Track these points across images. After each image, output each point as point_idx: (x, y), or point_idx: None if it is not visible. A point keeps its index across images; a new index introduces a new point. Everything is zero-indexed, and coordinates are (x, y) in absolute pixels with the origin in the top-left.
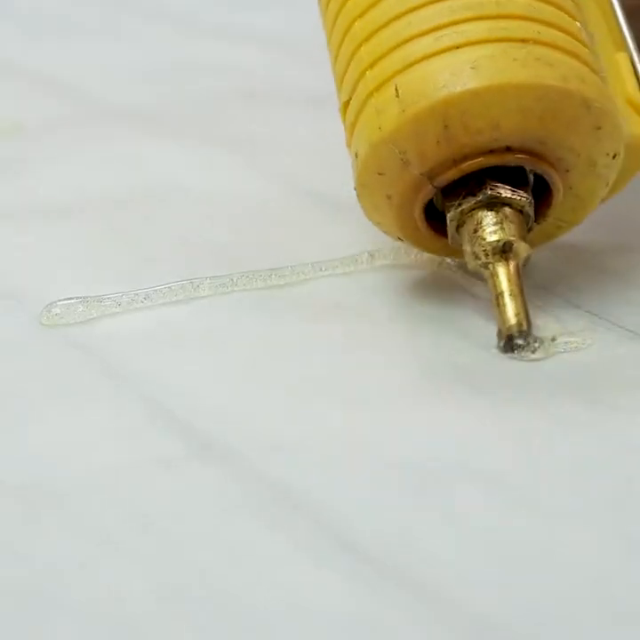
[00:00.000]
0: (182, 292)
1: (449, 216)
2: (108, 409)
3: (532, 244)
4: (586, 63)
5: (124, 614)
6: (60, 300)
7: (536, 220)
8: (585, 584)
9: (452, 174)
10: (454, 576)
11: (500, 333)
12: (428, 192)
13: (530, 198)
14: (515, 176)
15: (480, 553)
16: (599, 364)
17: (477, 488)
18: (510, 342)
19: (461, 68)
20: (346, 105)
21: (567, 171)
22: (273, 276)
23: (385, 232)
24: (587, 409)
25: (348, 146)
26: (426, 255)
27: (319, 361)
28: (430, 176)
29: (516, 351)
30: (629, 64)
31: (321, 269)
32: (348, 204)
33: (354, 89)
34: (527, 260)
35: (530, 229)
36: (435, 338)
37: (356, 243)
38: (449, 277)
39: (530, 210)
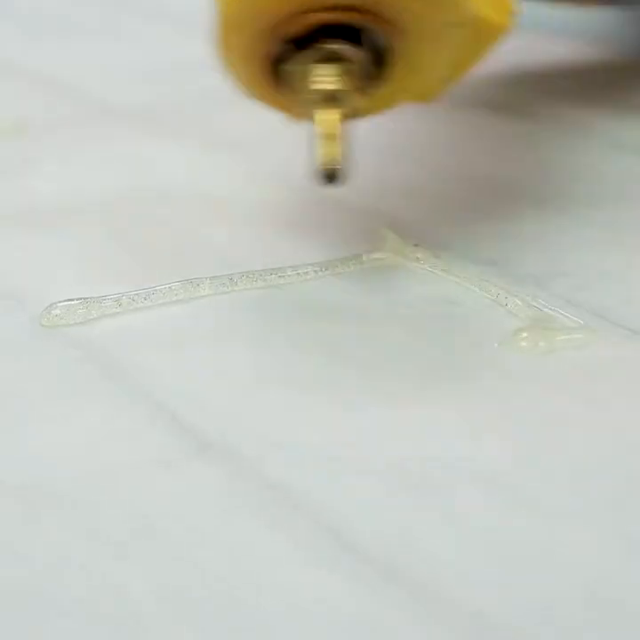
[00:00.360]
0: (182, 292)
1: (289, 67)
2: (108, 409)
3: (382, 107)
4: None
5: (124, 614)
6: (60, 301)
7: (380, 84)
8: (585, 584)
9: (295, 28)
10: (454, 576)
11: (315, 171)
12: (275, 45)
13: (365, 55)
14: (354, 36)
15: (480, 553)
16: (599, 363)
17: (477, 488)
18: (323, 177)
19: None
20: None
21: (405, 33)
22: (273, 276)
23: (243, 89)
24: (587, 409)
25: (214, 5)
26: (426, 256)
27: (319, 361)
28: (276, 30)
29: (328, 183)
30: None
31: (321, 269)
32: (349, 203)
33: None
34: (357, 112)
35: (366, 88)
36: (435, 337)
37: (355, 243)
38: (449, 278)
39: (366, 67)
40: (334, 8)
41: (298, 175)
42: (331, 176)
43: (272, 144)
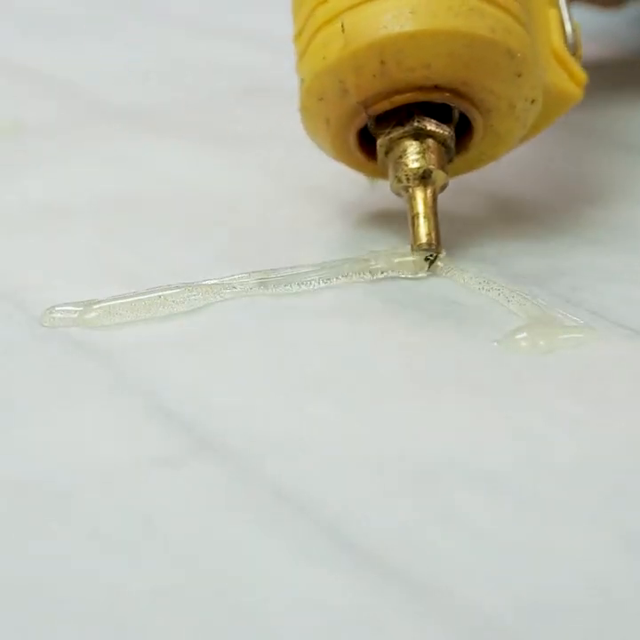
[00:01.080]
0: (182, 293)
1: (379, 142)
2: (108, 409)
3: (457, 171)
4: (514, 16)
5: (123, 614)
6: (60, 302)
7: (459, 152)
8: (585, 584)
9: (384, 105)
10: (454, 576)
11: (412, 249)
12: (362, 119)
13: (451, 133)
14: (441, 112)
15: (480, 553)
16: (599, 363)
17: (477, 488)
18: (423, 255)
19: (401, 11)
20: (298, 35)
21: (489, 111)
22: (273, 277)
23: (324, 152)
24: (587, 408)
25: (297, 72)
26: (425, 255)
27: (319, 361)
28: (365, 105)
29: (428, 266)
30: (559, 20)
31: (321, 270)
32: (349, 203)
33: (306, 21)
34: (444, 187)
35: (451, 160)
36: (435, 337)
37: (355, 243)
38: (449, 277)
39: (451, 143)
40: (421, 88)
41: (298, 176)
42: (430, 254)
43: (273, 145)
